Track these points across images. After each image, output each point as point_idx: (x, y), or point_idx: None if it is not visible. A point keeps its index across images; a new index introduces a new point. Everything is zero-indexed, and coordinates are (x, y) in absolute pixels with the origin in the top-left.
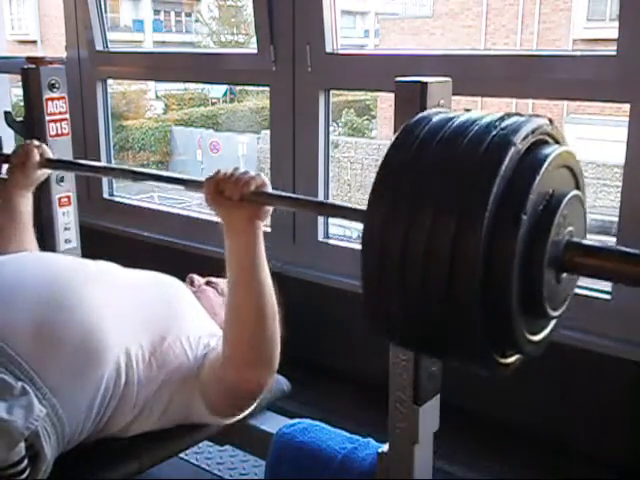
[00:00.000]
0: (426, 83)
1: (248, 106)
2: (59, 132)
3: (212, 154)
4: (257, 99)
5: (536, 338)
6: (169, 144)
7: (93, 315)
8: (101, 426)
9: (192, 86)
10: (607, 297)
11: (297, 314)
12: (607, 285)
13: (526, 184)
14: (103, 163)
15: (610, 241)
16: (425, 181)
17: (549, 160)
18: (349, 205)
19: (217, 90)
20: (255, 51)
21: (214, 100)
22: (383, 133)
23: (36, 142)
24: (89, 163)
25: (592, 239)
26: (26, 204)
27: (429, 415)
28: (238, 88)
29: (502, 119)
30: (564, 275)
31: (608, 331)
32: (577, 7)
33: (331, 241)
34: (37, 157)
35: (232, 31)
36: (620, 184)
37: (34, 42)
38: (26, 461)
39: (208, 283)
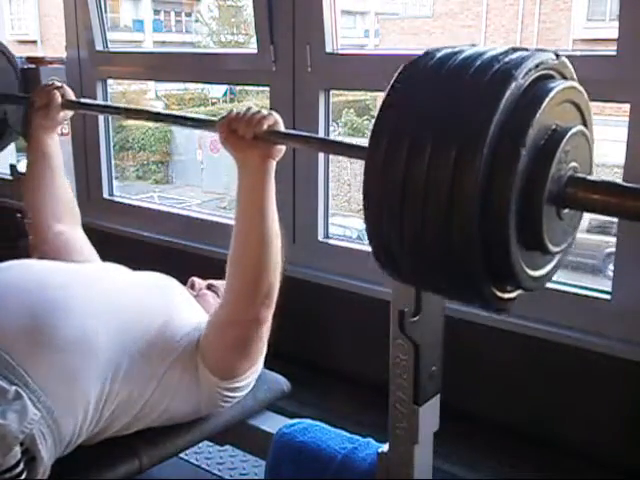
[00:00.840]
0: None
1: (248, 106)
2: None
3: (212, 154)
4: (257, 99)
5: (537, 274)
6: (169, 144)
7: (88, 317)
8: (99, 428)
9: (192, 86)
10: (607, 297)
11: (297, 314)
12: (607, 285)
13: (526, 118)
14: (124, 104)
15: (610, 241)
16: (426, 115)
17: (551, 94)
18: (353, 142)
19: (217, 90)
20: (255, 51)
21: (214, 100)
22: None
23: (57, 83)
24: (109, 104)
25: (592, 239)
26: (54, 145)
27: (429, 415)
28: (238, 88)
29: (507, 53)
30: (566, 211)
31: (608, 331)
32: (577, 7)
33: (331, 241)
34: (59, 99)
35: (232, 31)
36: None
37: (34, 42)
38: (22, 465)
39: (209, 287)
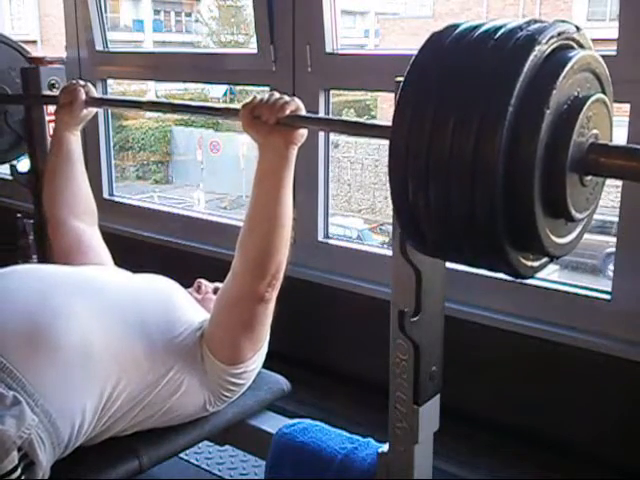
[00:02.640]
0: None
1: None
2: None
3: (212, 154)
4: None
5: (562, 241)
6: (169, 144)
7: (87, 322)
8: (100, 430)
9: (192, 86)
10: (607, 297)
11: (297, 314)
12: (607, 285)
13: (549, 81)
14: (146, 98)
15: (611, 241)
16: (448, 86)
17: (574, 60)
18: (374, 122)
19: (217, 90)
20: (255, 51)
21: (214, 100)
22: None
23: (81, 82)
24: (132, 99)
25: (592, 239)
26: (76, 142)
27: (429, 415)
28: (238, 88)
29: (529, 23)
30: (588, 178)
31: (608, 331)
32: (577, 7)
33: (331, 241)
34: (83, 96)
35: (232, 31)
36: (620, 184)
37: (34, 42)
38: (20, 470)
39: (216, 291)
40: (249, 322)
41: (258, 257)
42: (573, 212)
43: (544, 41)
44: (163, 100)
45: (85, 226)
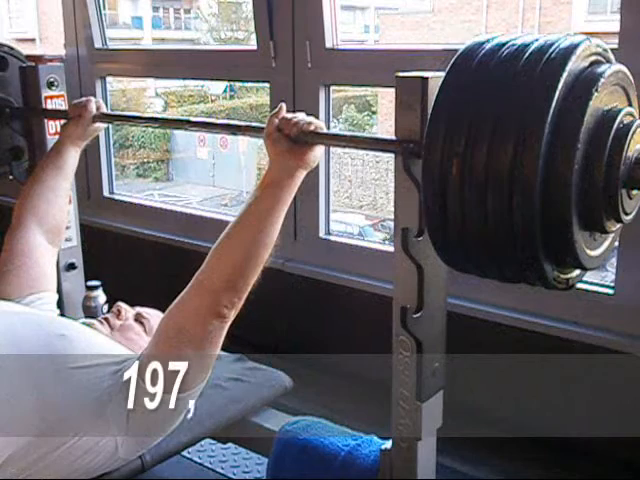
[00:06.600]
0: (427, 78)
1: (248, 102)
2: (58, 130)
3: (222, 150)
4: (257, 96)
5: (595, 253)
6: (169, 142)
7: None
8: None
9: (191, 83)
10: (610, 292)
11: (298, 310)
12: (610, 279)
13: (590, 84)
14: (160, 114)
15: None
16: (483, 102)
17: (610, 71)
18: (392, 138)
19: (217, 87)
20: (255, 47)
21: (214, 97)
22: (384, 129)
23: (92, 98)
24: (144, 115)
25: None
26: (73, 157)
27: (432, 412)
28: (238, 85)
29: (565, 37)
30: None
31: (611, 325)
32: (578, 0)
33: (332, 237)
34: (94, 110)
35: (232, 27)
36: None
37: (33, 40)
38: None
39: (137, 317)
40: (200, 337)
41: (232, 267)
42: (607, 225)
43: (579, 51)
44: (179, 117)
45: (46, 243)
